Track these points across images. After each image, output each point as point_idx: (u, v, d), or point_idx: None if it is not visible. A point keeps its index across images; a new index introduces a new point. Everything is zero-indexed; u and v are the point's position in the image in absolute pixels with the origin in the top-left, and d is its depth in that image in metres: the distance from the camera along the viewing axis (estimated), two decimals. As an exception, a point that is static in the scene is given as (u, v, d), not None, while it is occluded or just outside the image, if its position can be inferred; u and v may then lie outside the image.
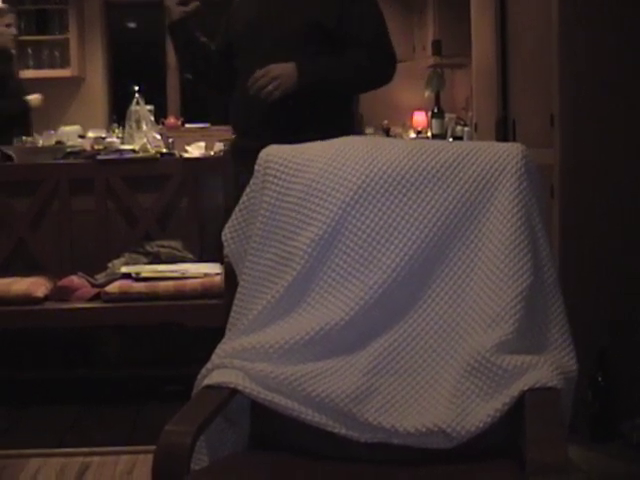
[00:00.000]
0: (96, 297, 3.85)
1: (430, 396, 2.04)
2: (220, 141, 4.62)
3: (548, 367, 1.98)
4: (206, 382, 2.05)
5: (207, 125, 7.23)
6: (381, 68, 3.17)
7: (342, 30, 3.08)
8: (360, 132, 2.72)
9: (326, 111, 3.14)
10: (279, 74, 3.00)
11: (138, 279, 3.85)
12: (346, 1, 3.09)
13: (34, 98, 5.71)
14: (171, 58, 7.83)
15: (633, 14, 3.33)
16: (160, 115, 6.73)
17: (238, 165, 3.27)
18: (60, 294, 3.87)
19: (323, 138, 2.44)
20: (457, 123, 6.80)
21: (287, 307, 2.17)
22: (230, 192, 3.38)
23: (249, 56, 3.17)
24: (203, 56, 3.39)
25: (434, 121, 6.83)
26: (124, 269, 3.94)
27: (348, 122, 3.24)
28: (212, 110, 7.57)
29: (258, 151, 3.05)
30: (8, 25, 5.59)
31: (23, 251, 4.21)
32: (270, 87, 3.01)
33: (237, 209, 2.39)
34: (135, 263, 3.99)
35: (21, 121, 5.61)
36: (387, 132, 7.41)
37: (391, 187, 2.20)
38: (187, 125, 7.51)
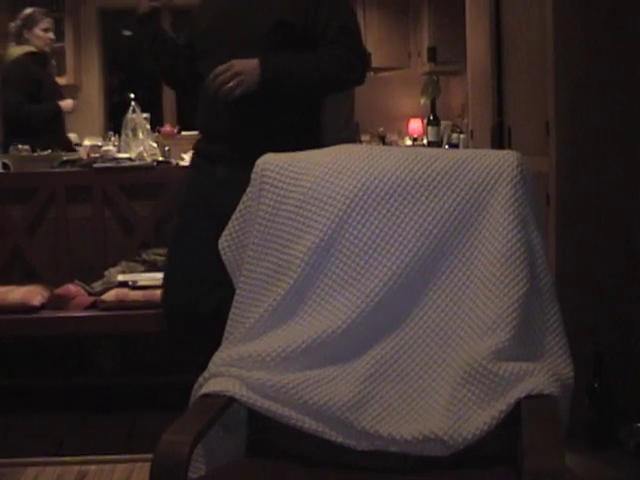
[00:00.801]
0: (92, 305, 3.85)
1: (427, 404, 2.04)
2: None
3: (545, 374, 1.98)
4: (203, 391, 2.05)
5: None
6: (350, 67, 3.01)
7: (311, 30, 2.95)
8: (325, 145, 2.54)
9: (292, 120, 3.01)
10: (241, 70, 2.84)
11: (135, 287, 3.85)
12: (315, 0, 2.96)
13: (66, 103, 5.76)
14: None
15: (628, 22, 3.34)
16: (156, 123, 6.74)
17: (197, 168, 3.18)
18: (56, 302, 3.86)
19: (287, 149, 2.45)
20: (453, 130, 6.82)
21: (284, 315, 2.17)
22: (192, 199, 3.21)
23: (214, 57, 2.99)
24: (169, 53, 3.25)
25: (430, 128, 6.84)
26: (121, 277, 3.94)
27: (315, 134, 3.11)
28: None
29: (220, 156, 3.02)
30: (45, 30, 5.65)
31: (19, 260, 4.21)
32: (231, 83, 2.84)
33: (234, 217, 2.39)
34: (132, 271, 3.99)
35: (54, 125, 5.65)
36: (383, 139, 7.43)
37: (387, 195, 2.20)
38: (183, 133, 7.52)
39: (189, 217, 3.16)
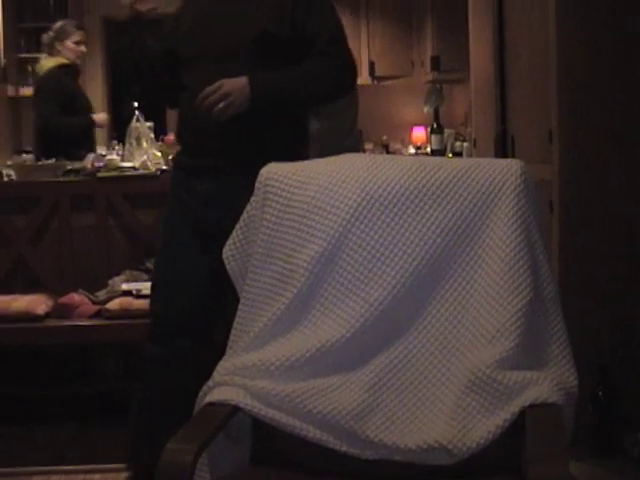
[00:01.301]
0: (97, 314, 3.85)
1: (431, 412, 2.04)
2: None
3: (549, 383, 1.98)
4: (208, 399, 2.05)
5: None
6: (339, 79, 2.91)
7: (298, 40, 2.85)
8: (321, 155, 2.42)
9: (280, 133, 2.89)
10: (230, 90, 2.71)
11: (139, 296, 3.85)
12: (300, 8, 2.84)
13: (100, 117, 5.80)
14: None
15: (631, 30, 3.35)
16: (160, 132, 6.73)
17: (180, 183, 3.01)
18: (60, 311, 3.87)
19: (273, 160, 2.44)
20: (456, 139, 6.82)
21: (288, 324, 2.17)
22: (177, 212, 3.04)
23: (197, 65, 2.89)
24: (148, 60, 3.09)
25: (433, 137, 6.84)
26: (125, 286, 3.94)
27: (303, 146, 3.00)
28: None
29: (205, 171, 2.88)
30: (77, 42, 5.67)
31: (23, 268, 4.21)
32: (222, 105, 2.71)
33: (238, 226, 2.40)
34: (136, 280, 3.99)
35: (86, 138, 5.65)
36: (386, 148, 7.43)
37: (391, 204, 2.20)
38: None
39: (173, 235, 3.01)
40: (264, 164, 2.44)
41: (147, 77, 3.16)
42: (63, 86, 5.58)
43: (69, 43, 5.64)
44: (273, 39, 2.82)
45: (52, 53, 5.66)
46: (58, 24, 5.70)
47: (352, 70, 2.96)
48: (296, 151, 2.83)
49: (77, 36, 5.69)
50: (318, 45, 2.84)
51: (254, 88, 2.75)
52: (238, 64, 2.80)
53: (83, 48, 5.75)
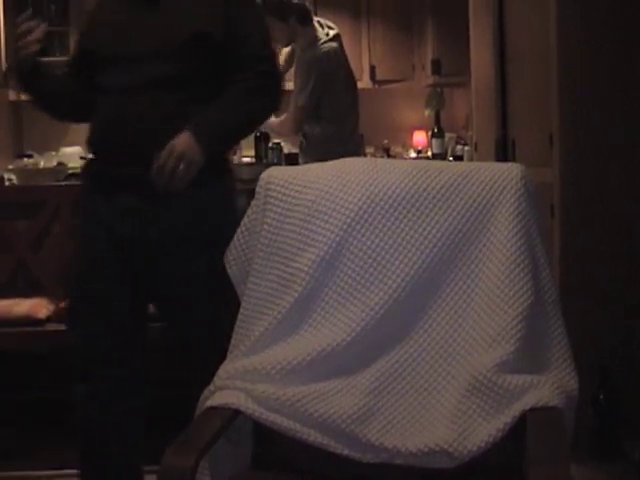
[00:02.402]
0: (98, 318, 3.85)
1: (432, 416, 2.04)
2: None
3: (549, 386, 1.98)
4: (209, 403, 2.06)
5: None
6: (273, 99, 2.71)
7: (231, 41, 2.64)
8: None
9: None
10: (182, 150, 2.47)
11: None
12: (233, 6, 2.65)
13: None
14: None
15: (631, 34, 3.35)
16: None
17: (94, 195, 2.69)
18: (62, 315, 3.86)
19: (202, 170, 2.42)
20: (457, 142, 6.82)
21: (289, 328, 2.18)
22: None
23: (119, 69, 2.61)
24: (61, 99, 2.82)
25: (434, 140, 6.84)
26: (126, 290, 3.94)
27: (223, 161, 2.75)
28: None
29: (124, 182, 2.57)
30: None
31: (24, 273, 4.21)
32: (182, 166, 2.47)
33: (239, 231, 2.40)
34: (137, 284, 3.99)
35: None
36: (387, 152, 7.43)
37: (392, 208, 2.21)
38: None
39: (88, 253, 2.71)
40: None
41: (67, 109, 2.87)
42: None
43: None
44: (207, 38, 2.61)
45: None
46: None
47: (280, 81, 2.76)
48: (220, 157, 2.68)
49: None
50: (251, 47, 2.66)
51: (200, 139, 2.52)
52: (169, 64, 2.58)
53: None
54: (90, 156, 2.79)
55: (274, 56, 2.78)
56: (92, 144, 2.71)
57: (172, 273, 2.59)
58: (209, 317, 2.60)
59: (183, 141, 2.49)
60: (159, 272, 2.60)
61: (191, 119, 2.54)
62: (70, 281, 2.82)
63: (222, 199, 2.66)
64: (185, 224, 2.57)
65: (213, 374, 2.21)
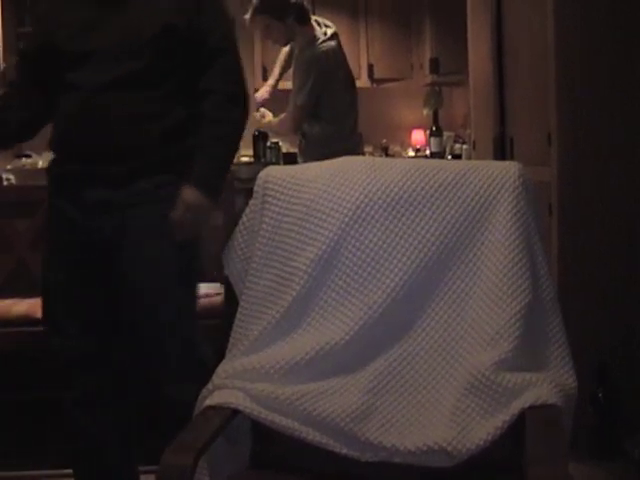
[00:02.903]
0: (97, 318, 3.85)
1: (431, 414, 2.05)
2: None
3: (548, 384, 1.98)
4: (207, 403, 2.06)
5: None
6: (242, 113, 2.65)
7: (195, 34, 2.58)
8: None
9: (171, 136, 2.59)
10: (191, 203, 2.51)
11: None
12: (200, 2, 2.59)
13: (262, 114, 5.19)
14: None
15: (629, 32, 3.35)
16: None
17: (59, 193, 2.64)
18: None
19: (170, 164, 2.44)
20: (456, 141, 6.82)
21: (287, 327, 2.18)
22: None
23: (88, 65, 2.54)
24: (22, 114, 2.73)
25: (432, 139, 6.84)
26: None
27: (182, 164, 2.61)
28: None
29: (89, 178, 2.53)
30: None
31: (24, 272, 4.20)
32: (201, 220, 2.56)
33: (237, 230, 2.40)
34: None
35: None
36: (386, 151, 7.43)
37: (390, 207, 2.21)
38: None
39: (56, 256, 2.67)
40: (163, 167, 2.48)
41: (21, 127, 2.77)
42: None
43: None
44: (176, 31, 2.56)
45: None
46: None
47: (244, 84, 2.69)
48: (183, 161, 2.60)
49: None
50: (214, 41, 2.61)
51: (203, 188, 2.54)
52: (138, 59, 2.52)
53: None
54: (53, 156, 2.72)
55: (235, 48, 2.69)
56: (57, 144, 2.65)
57: (139, 261, 2.56)
58: (176, 302, 2.59)
59: (188, 196, 2.52)
60: (125, 262, 2.56)
61: (159, 122, 2.54)
62: (42, 286, 2.74)
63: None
64: (151, 216, 2.55)
65: (180, 364, 2.36)
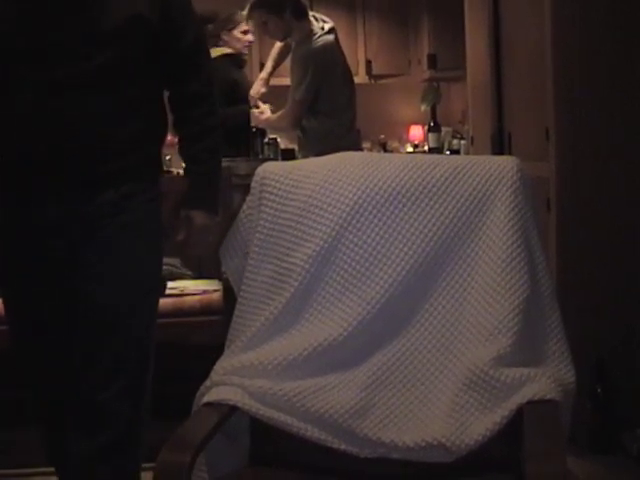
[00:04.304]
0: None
1: (429, 410, 2.04)
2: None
3: (546, 379, 1.98)
4: (205, 399, 2.05)
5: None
6: (213, 108, 2.55)
7: (168, 32, 2.41)
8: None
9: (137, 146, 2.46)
10: (202, 227, 2.48)
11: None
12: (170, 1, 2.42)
13: (261, 109, 5.12)
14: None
15: (627, 27, 3.35)
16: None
17: (7, 211, 2.40)
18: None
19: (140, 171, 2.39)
20: (454, 136, 6.82)
21: (285, 323, 2.17)
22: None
23: (47, 60, 2.27)
24: None
25: (431, 135, 6.83)
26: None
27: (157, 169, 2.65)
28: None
29: (53, 191, 2.32)
30: (245, 32, 5.51)
31: None
32: (204, 237, 2.50)
33: (235, 226, 2.40)
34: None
35: (246, 130, 5.40)
36: (384, 146, 7.43)
37: (387, 202, 2.21)
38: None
39: (12, 278, 2.47)
40: (125, 176, 2.36)
41: None
42: (226, 75, 5.21)
43: (236, 33, 5.46)
44: (145, 23, 2.35)
45: (217, 43, 5.45)
46: (226, 14, 5.51)
47: (213, 90, 2.58)
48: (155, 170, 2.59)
49: (244, 25, 5.49)
50: (185, 44, 2.46)
51: (208, 208, 2.49)
52: (101, 55, 2.29)
53: (250, 37, 5.50)
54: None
55: (208, 51, 2.65)
56: (3, 149, 2.37)
57: (97, 278, 2.37)
58: (140, 318, 2.42)
59: (203, 220, 2.47)
60: (82, 279, 2.37)
61: (123, 126, 2.36)
62: (5, 306, 2.54)
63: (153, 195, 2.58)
64: (107, 215, 2.36)
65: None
